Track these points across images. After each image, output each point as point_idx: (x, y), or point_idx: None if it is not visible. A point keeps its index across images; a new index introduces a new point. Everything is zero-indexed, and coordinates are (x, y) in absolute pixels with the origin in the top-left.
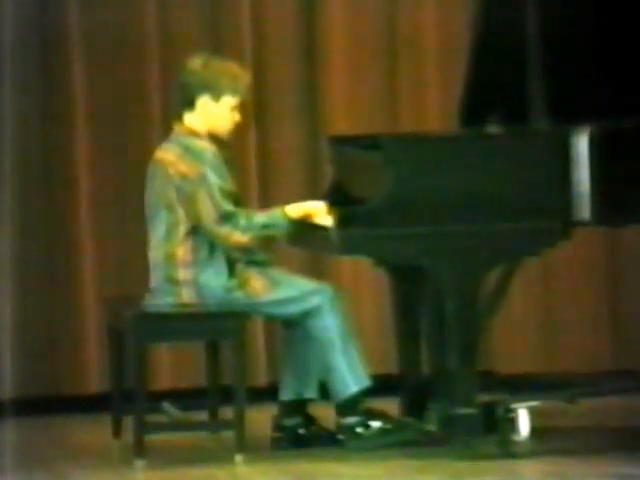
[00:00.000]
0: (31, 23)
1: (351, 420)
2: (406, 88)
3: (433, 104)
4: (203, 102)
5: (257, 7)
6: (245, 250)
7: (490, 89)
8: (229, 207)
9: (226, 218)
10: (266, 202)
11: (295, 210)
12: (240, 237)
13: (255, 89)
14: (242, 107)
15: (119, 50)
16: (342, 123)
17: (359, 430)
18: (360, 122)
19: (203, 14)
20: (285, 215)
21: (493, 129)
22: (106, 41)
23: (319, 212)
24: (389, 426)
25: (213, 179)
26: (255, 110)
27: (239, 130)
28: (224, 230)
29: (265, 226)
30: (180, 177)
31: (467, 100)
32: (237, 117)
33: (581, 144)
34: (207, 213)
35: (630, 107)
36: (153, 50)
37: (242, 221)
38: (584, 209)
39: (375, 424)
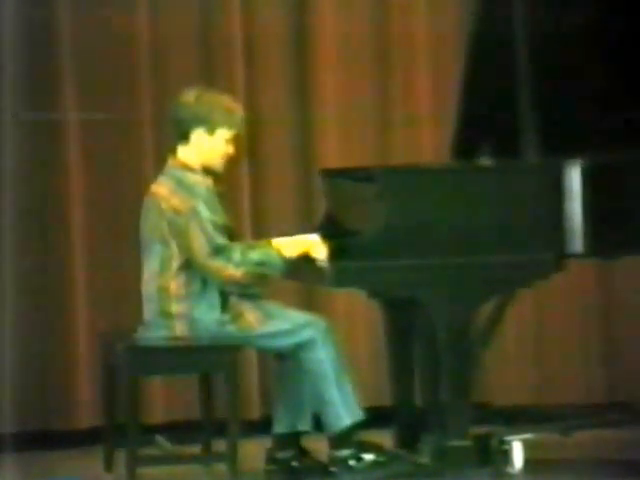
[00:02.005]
0: (20, 56)
1: (344, 453)
2: (398, 121)
3: (425, 136)
4: (198, 136)
5: (250, 41)
6: (238, 285)
7: (482, 122)
8: (222, 241)
9: (219, 251)
10: (259, 235)
11: (291, 249)
12: (233, 271)
13: (248, 122)
14: (235, 140)
15: (111, 83)
16: (335, 156)
17: (352, 463)
18: (353, 154)
19: (195, 48)
20: (281, 255)
21: (485, 162)
22: (98, 73)
23: (314, 247)
24: (382, 459)
25: (205, 213)
26: (248, 143)
27: (232, 163)
28: (217, 264)
29: (259, 264)
30: (172, 211)
31: (459, 132)
32: (231, 150)
33: (573, 177)
34: (200, 247)
35: (622, 139)
36: (145, 82)
37: (236, 255)
38: (576, 241)
39: (368, 457)
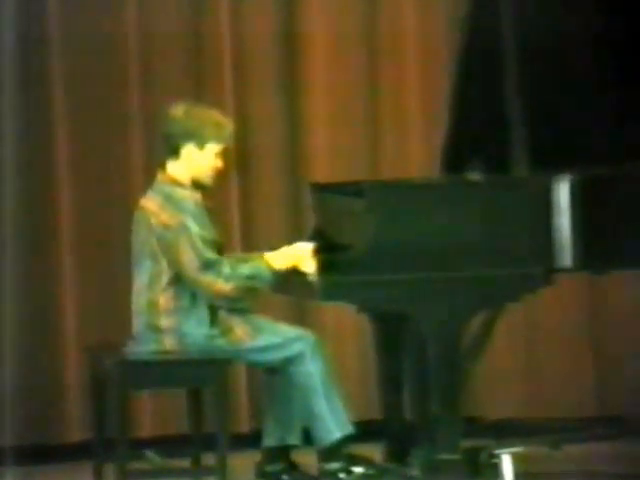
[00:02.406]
0: (10, 63)
1: (334, 466)
2: (388, 134)
3: (415, 151)
4: (188, 151)
5: (239, 54)
6: (228, 299)
7: (472, 136)
8: (211, 255)
9: (209, 266)
10: (249, 249)
11: (280, 262)
12: (223, 286)
13: (237, 136)
14: (224, 154)
15: (100, 92)
16: (324, 169)
17: (342, 476)
18: (342, 168)
19: (184, 59)
20: (270, 268)
21: (474, 176)
22: (88, 87)
23: (303, 260)
24: (372, 472)
25: (194, 228)
26: (237, 157)
27: (221, 177)
28: (207, 278)
29: (249, 277)
30: (162, 227)
31: (449, 147)
32: (220, 164)
33: (562, 191)
34: (189, 261)
35: (613, 154)
36: (134, 94)
37: (225, 269)
38: (566, 256)
39: (358, 470)
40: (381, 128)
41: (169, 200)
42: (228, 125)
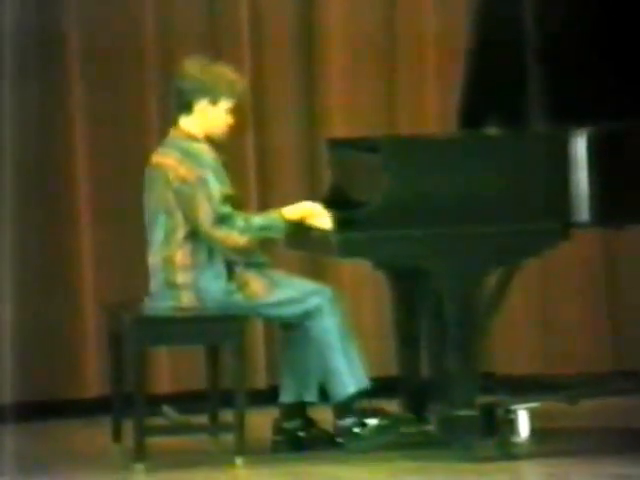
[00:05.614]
0: (29, 30)
1: (348, 421)
2: (404, 90)
3: (431, 106)
4: (201, 106)
5: (256, 11)
6: (243, 252)
7: (489, 91)
8: (226, 209)
9: (223, 220)
10: (265, 205)
11: (292, 212)
12: (238, 239)
13: (254, 92)
14: (238, 110)
15: (117, 57)
16: (340, 126)
17: (357, 430)
18: (358, 124)
19: (202, 18)
20: (283, 217)
21: (492, 131)
22: (104, 48)
23: (316, 213)
24: (386, 422)
25: (214, 183)
26: (254, 113)
27: (238, 133)
28: (221, 232)
29: (263, 228)
30: (179, 181)
31: (466, 102)
32: (230, 120)
33: (580, 145)
34: (205, 216)
35: (630, 108)
36: (152, 56)
37: (239, 223)
38: (583, 210)
39: (372, 422)
40: (398, 83)
41: (187, 154)
42: (240, 81)
